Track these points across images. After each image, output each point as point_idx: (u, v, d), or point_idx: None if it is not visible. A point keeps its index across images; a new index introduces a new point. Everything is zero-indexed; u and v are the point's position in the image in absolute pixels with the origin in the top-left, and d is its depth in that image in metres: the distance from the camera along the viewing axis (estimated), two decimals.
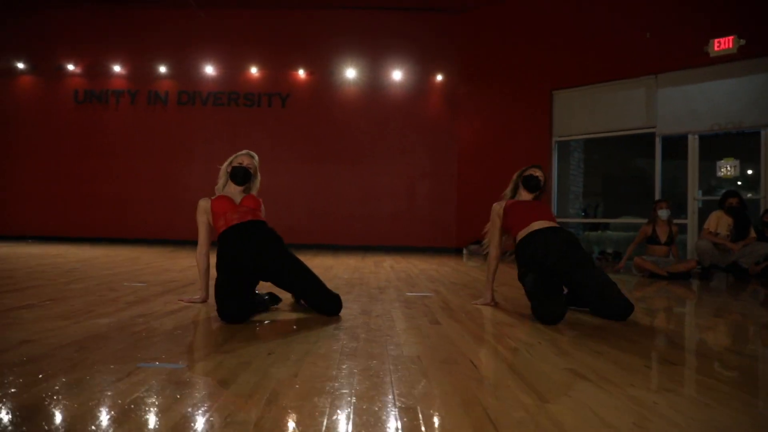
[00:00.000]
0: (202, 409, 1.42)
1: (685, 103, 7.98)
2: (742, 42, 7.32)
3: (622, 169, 12.87)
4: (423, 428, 1.32)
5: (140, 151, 10.69)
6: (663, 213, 6.08)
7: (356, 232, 10.49)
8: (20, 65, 10.75)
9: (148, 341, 2.19)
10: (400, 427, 1.32)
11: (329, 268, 5.93)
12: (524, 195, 3.58)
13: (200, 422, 1.32)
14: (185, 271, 5.18)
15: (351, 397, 1.53)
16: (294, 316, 2.90)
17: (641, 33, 8.30)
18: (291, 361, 1.93)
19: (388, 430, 1.30)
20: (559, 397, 1.60)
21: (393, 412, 1.42)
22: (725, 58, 7.51)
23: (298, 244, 10.12)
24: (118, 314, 2.75)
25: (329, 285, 4.29)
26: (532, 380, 1.76)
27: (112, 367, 1.80)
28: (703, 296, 4.53)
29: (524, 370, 1.90)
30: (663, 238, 6.07)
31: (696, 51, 7.74)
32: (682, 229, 7.84)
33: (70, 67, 10.77)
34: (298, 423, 1.34)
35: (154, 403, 1.45)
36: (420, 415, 1.40)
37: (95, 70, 10.79)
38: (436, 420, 1.38)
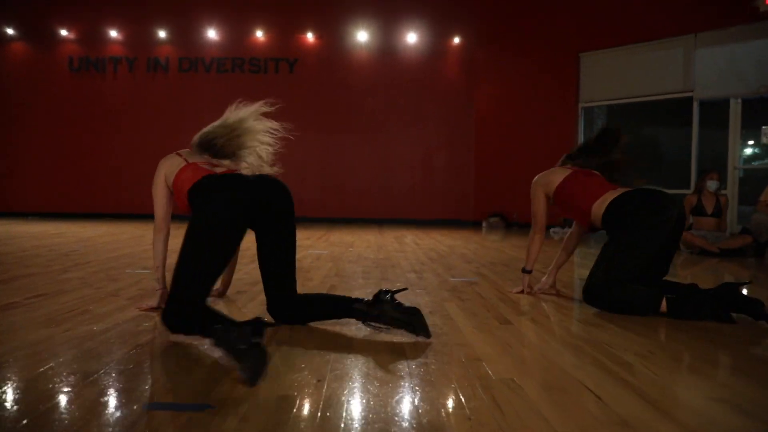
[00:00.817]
0: None
1: (728, 64, 7.36)
2: None
3: (651, 140, 12.28)
4: None
5: (141, 121, 10.12)
6: (712, 184, 5.57)
7: (371, 205, 9.98)
8: (10, 31, 10.10)
9: (158, 364, 1.72)
10: None
11: (350, 246, 5.45)
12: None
13: None
14: None
15: None
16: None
17: None
18: (349, 389, 1.46)
19: None
20: None
21: None
22: None
23: (310, 217, 9.64)
24: (118, 317, 2.28)
25: (355, 268, 3.82)
26: (679, 416, 1.29)
27: (107, 412, 1.32)
28: (761, 276, 4.05)
29: (660, 399, 1.43)
30: (709, 209, 5.57)
31: (743, 5, 7.09)
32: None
33: (64, 32, 10.12)
34: None
35: None
36: None
37: (91, 36, 10.15)
38: None
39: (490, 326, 2.22)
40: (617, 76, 8.52)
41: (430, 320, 2.24)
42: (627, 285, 2.45)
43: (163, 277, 2.33)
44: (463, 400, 1.39)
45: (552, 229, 7.79)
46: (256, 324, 1.55)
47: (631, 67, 8.35)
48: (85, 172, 10.09)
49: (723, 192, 5.77)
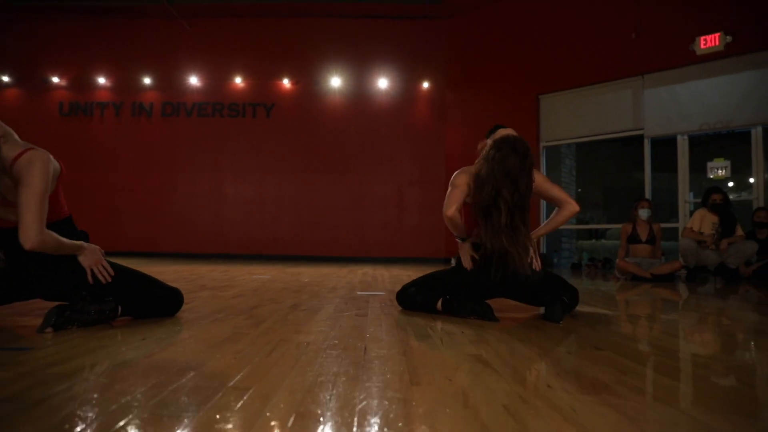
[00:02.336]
0: None
1: (673, 104, 7.74)
2: (729, 39, 7.11)
3: (619, 178, 12.60)
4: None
5: (126, 162, 10.56)
6: (643, 213, 5.83)
7: (344, 244, 10.25)
8: (5, 78, 10.72)
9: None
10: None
11: (297, 274, 5.70)
12: None
13: None
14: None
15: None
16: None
17: (626, 34, 8.11)
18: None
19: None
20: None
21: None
22: (712, 56, 7.29)
23: (283, 255, 9.92)
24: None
25: (279, 286, 4.04)
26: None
27: None
28: (690, 299, 4.25)
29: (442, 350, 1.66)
30: (644, 236, 5.81)
31: (682, 49, 7.53)
32: (673, 233, 7.55)
33: (55, 79, 10.72)
34: None
35: None
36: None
37: (80, 82, 10.74)
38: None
39: (337, 317, 2.46)
40: (574, 116, 8.91)
41: (291, 314, 2.48)
42: (420, 290, 2.76)
43: None
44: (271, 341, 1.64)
45: None
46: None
47: (586, 107, 8.76)
48: (73, 210, 10.44)
49: (666, 226, 5.98)
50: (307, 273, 5.92)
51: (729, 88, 7.24)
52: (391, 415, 1.05)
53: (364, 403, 1.13)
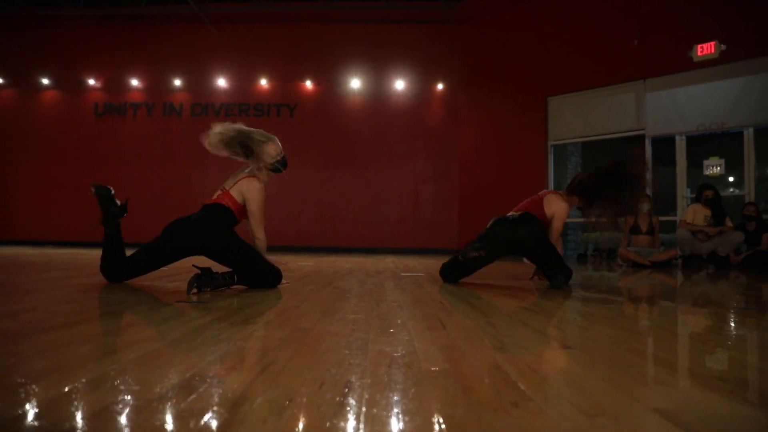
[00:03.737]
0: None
1: (672, 106, 8.40)
2: (724, 47, 7.75)
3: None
4: (389, 327, 1.76)
5: (157, 160, 11.26)
6: (643, 207, 6.48)
7: (363, 235, 10.94)
8: (45, 80, 11.39)
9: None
10: (374, 325, 1.76)
11: (333, 261, 6.39)
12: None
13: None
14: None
15: (343, 315, 1.98)
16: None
17: (629, 40, 8.75)
18: (295, 300, 2.38)
19: (371, 329, 1.75)
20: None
21: (376, 321, 1.87)
22: (708, 63, 7.93)
23: (307, 246, 10.61)
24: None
25: (332, 270, 4.74)
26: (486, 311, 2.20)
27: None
28: (686, 283, 4.92)
29: (480, 305, 2.34)
30: (644, 227, 6.47)
31: (681, 56, 8.17)
32: (671, 225, 8.22)
33: (91, 81, 11.39)
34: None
35: None
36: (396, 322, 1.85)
37: (114, 84, 11.41)
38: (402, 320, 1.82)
39: (407, 287, 3.14)
40: (581, 117, 9.57)
41: (367, 287, 3.16)
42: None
43: None
44: (356, 303, 2.32)
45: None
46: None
47: (592, 108, 9.41)
48: None
49: (666, 219, 6.65)
50: (341, 262, 6.61)
51: (724, 92, 7.89)
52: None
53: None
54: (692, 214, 6.23)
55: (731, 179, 11.07)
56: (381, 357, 1.29)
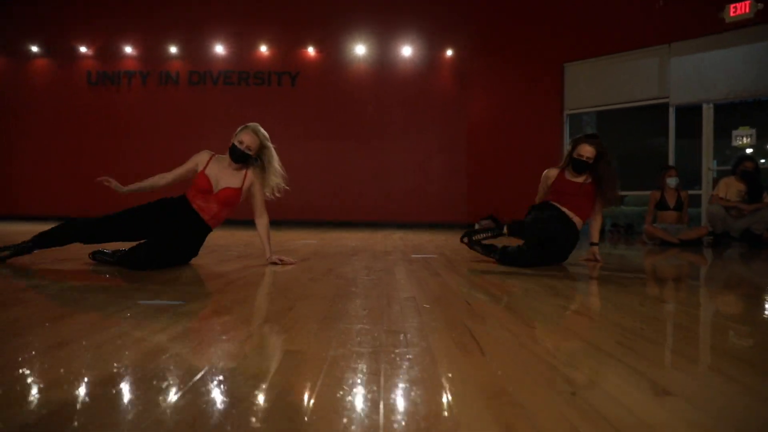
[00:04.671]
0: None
1: (699, 72, 7.83)
2: (760, 6, 7.15)
3: (638, 145, 12.70)
4: (406, 346, 1.34)
5: (153, 131, 10.79)
6: (671, 181, 6.02)
7: (369, 209, 10.52)
8: (34, 48, 10.87)
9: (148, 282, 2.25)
10: (386, 343, 1.35)
11: (338, 238, 5.98)
12: (571, 174, 3.64)
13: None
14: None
15: (346, 324, 1.57)
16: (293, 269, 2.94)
17: (653, 2, 8.13)
18: (288, 299, 1.97)
19: (379, 345, 1.33)
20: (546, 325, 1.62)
21: (383, 335, 1.45)
22: (741, 24, 7.34)
23: (311, 220, 10.20)
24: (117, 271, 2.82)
25: (336, 250, 4.31)
26: (522, 313, 1.78)
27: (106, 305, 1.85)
28: (716, 263, 4.49)
29: (515, 306, 1.92)
30: (671, 203, 6.01)
31: (711, 17, 7.57)
32: (696, 199, 7.74)
33: (83, 49, 10.87)
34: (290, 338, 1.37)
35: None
36: (406, 336, 1.43)
37: (107, 52, 10.88)
38: (418, 337, 1.41)
39: (421, 276, 2.72)
40: (599, 85, 9.00)
41: (374, 276, 2.75)
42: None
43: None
44: (360, 302, 1.90)
45: None
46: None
47: (611, 75, 8.84)
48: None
49: (690, 192, 6.18)
50: (347, 238, 6.19)
51: (757, 56, 7.31)
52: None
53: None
54: (725, 188, 5.75)
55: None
56: (400, 423, 0.88)
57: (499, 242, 3.62)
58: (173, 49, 10.74)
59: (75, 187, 10.82)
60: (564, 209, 3.51)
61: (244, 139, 3.18)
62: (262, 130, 3.29)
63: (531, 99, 9.69)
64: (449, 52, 10.49)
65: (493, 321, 1.64)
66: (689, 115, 8.17)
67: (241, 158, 3.19)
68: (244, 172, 3.27)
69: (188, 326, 1.51)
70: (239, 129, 3.25)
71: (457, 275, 2.84)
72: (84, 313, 1.69)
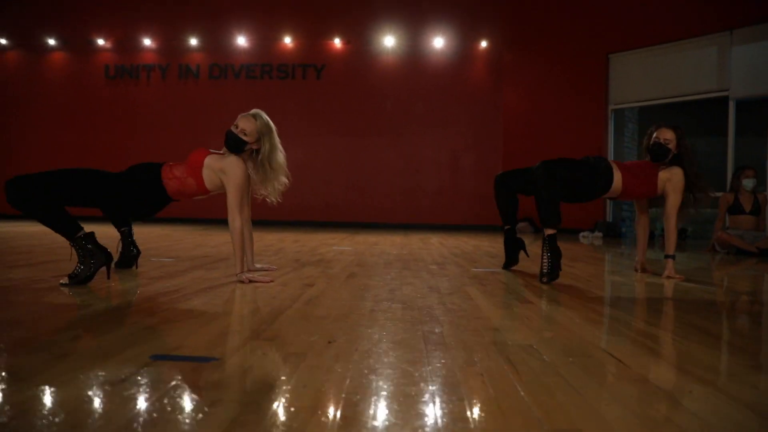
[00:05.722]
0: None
1: (766, 62, 7.14)
2: None
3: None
4: None
5: (172, 126, 10.33)
6: (748, 183, 5.39)
7: (397, 209, 9.95)
8: (51, 41, 10.47)
9: (169, 325, 1.72)
10: None
11: (374, 244, 5.44)
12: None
13: None
14: (219, 246, 4.76)
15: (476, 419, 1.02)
16: (333, 293, 2.40)
17: None
18: (359, 353, 1.42)
19: None
20: None
21: None
22: None
23: (336, 222, 9.69)
24: (140, 290, 2.30)
25: (377, 260, 3.79)
26: (696, 371, 1.22)
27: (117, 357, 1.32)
28: None
29: (681, 361, 1.35)
30: (747, 207, 5.39)
31: None
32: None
33: (101, 41, 10.44)
34: None
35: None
36: None
37: (126, 45, 10.45)
38: None
39: (510, 305, 2.17)
40: (648, 77, 8.34)
41: (446, 300, 2.20)
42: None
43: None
44: (476, 360, 1.35)
45: (581, 234, 7.66)
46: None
47: (662, 67, 8.17)
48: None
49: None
50: (382, 243, 5.64)
51: None
52: None
53: None
54: None
55: None
56: None
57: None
58: (193, 42, 10.27)
59: None
60: (614, 165, 3.22)
61: (240, 123, 2.71)
62: (265, 116, 2.80)
63: (572, 92, 9.05)
64: (483, 44, 9.88)
65: (696, 403, 1.08)
66: (755, 107, 7.49)
67: (234, 144, 2.68)
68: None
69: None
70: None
71: (553, 302, 2.28)
72: None
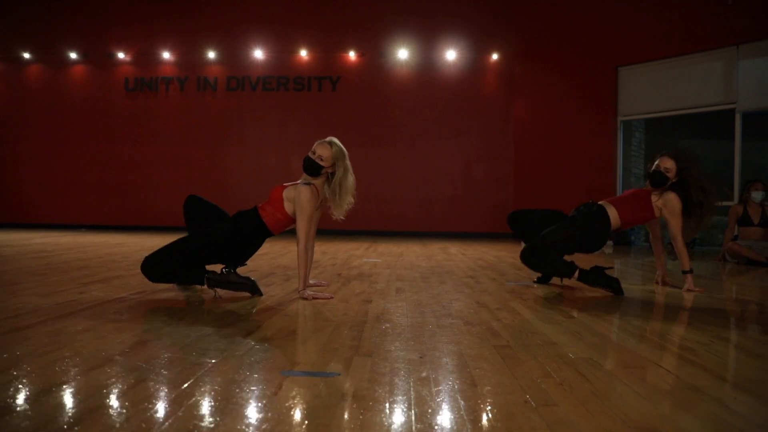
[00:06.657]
0: None
1: None
2: None
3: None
4: None
5: (191, 138, 10.61)
6: (757, 195, 5.64)
7: (411, 218, 10.22)
8: (73, 55, 10.76)
9: (272, 343, 1.97)
10: None
11: (399, 255, 5.69)
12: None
13: None
14: (264, 263, 5.01)
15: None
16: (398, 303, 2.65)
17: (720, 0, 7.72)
18: (452, 366, 1.68)
19: None
20: None
21: None
22: None
23: (353, 230, 9.94)
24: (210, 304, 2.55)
25: (413, 274, 4.03)
26: (741, 383, 1.47)
27: (255, 376, 1.57)
28: None
29: (724, 372, 1.61)
30: (756, 219, 5.63)
31: None
32: None
33: (121, 55, 10.73)
34: None
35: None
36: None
37: (145, 58, 10.73)
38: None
39: (556, 319, 2.42)
40: (656, 90, 8.60)
41: (498, 315, 2.46)
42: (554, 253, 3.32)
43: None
44: (551, 371, 1.60)
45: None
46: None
47: (670, 80, 8.43)
48: (138, 186, 10.60)
49: None
50: (406, 254, 5.90)
51: None
52: None
53: None
54: None
55: None
56: None
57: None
58: (211, 55, 10.55)
59: (110, 195, 10.69)
60: (605, 204, 3.41)
61: (317, 150, 3.01)
62: (339, 143, 3.09)
63: (582, 104, 9.32)
64: (495, 56, 10.16)
65: None
66: (761, 120, 7.74)
67: (311, 168, 2.98)
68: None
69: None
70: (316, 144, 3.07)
71: (594, 316, 2.53)
72: None
